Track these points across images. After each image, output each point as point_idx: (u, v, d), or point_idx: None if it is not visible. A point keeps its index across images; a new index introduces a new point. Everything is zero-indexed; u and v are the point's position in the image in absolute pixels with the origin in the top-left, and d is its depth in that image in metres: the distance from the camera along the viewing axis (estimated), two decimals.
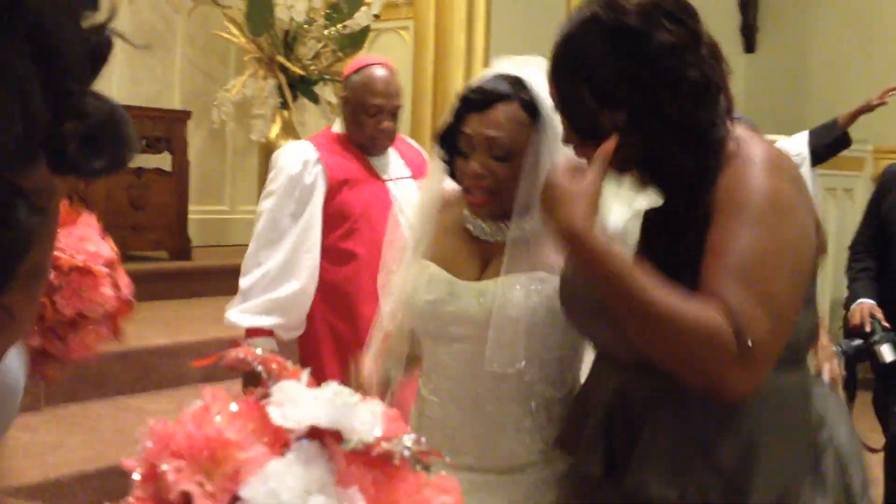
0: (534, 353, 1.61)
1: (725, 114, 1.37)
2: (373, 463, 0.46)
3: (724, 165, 1.32)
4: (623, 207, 1.51)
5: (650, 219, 1.42)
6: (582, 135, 1.40)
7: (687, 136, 1.32)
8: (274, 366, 0.50)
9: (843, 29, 7.32)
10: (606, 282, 1.27)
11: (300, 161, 2.66)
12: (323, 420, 0.46)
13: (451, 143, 1.67)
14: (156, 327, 4.20)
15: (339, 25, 5.56)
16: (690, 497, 1.33)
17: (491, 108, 1.60)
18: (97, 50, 0.36)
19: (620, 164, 1.39)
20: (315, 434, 0.46)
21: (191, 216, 5.64)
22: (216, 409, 0.46)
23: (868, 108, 4.11)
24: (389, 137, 2.76)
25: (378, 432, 0.47)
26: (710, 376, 1.24)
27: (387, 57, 3.34)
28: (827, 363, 1.69)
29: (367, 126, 2.70)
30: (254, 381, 0.52)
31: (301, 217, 2.63)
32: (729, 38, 7.58)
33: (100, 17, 0.36)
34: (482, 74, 1.72)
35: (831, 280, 6.48)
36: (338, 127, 2.84)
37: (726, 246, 1.27)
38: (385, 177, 2.77)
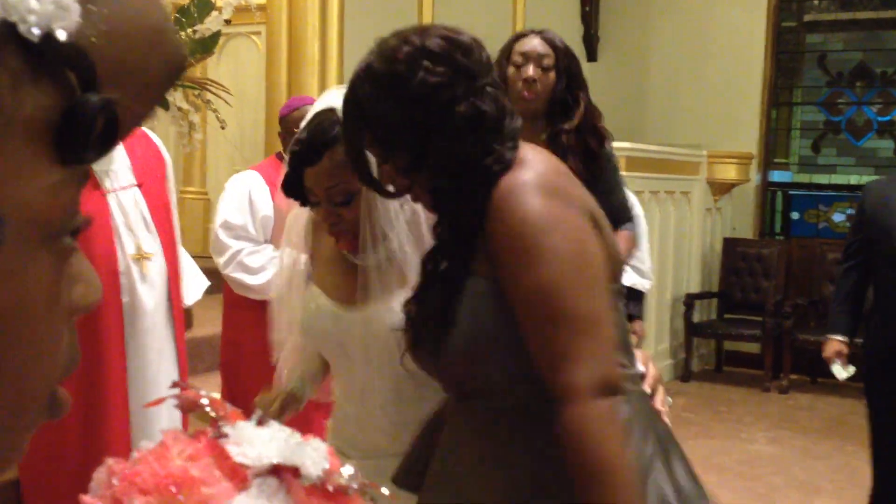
0: None
1: (511, 139, 1.43)
2: (329, 496, 0.49)
3: (493, 195, 1.38)
4: None
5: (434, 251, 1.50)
6: (373, 186, 1.51)
7: (458, 168, 1.39)
8: (221, 409, 0.53)
9: (678, 42, 7.74)
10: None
11: None
12: (279, 457, 0.49)
13: (301, 194, 1.71)
14: None
15: (190, 30, 5.44)
16: None
17: (320, 160, 1.63)
18: None
19: (427, 206, 1.50)
20: (273, 470, 0.49)
21: None
22: (177, 448, 0.49)
23: None
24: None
25: (326, 466, 0.51)
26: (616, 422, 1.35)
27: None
28: (650, 378, 1.72)
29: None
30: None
31: None
32: (572, 47, 7.87)
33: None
34: (310, 112, 1.74)
35: (672, 278, 6.86)
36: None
37: (518, 291, 1.35)
38: (106, 187, 2.58)
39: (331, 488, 0.49)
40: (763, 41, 7.57)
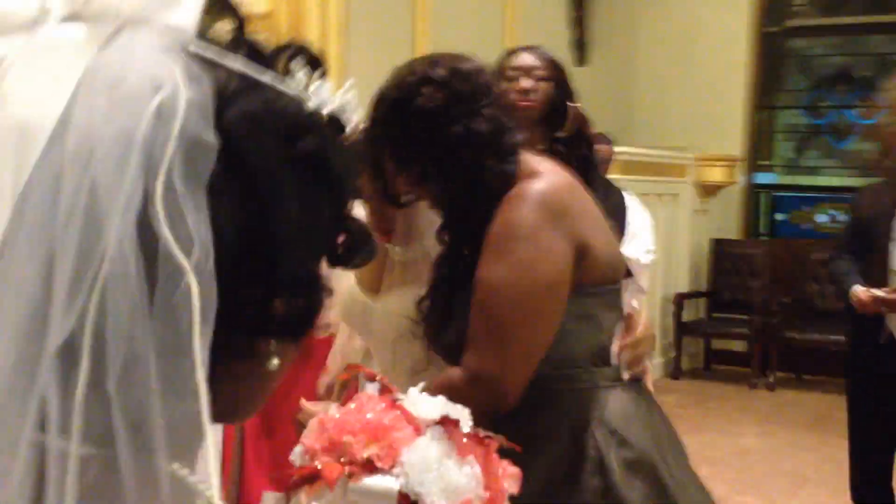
0: None
1: (509, 154, 1.60)
2: (479, 441, 0.66)
3: (504, 198, 1.56)
4: None
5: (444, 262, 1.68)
6: (390, 200, 1.72)
7: (458, 181, 1.58)
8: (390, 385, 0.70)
9: (665, 47, 7.94)
10: None
11: None
12: (441, 413, 0.66)
13: None
14: None
15: None
16: None
17: None
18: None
19: (438, 214, 1.68)
20: (440, 422, 0.66)
21: None
22: (370, 405, 0.65)
23: None
24: None
25: (472, 422, 0.68)
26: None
27: None
28: (630, 368, 1.75)
29: None
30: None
31: None
32: (561, 53, 8.04)
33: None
34: None
35: (662, 278, 7.04)
36: None
37: (475, 282, 1.53)
38: None
39: (481, 436, 0.66)
40: (747, 46, 7.79)
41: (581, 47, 8.34)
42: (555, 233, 1.53)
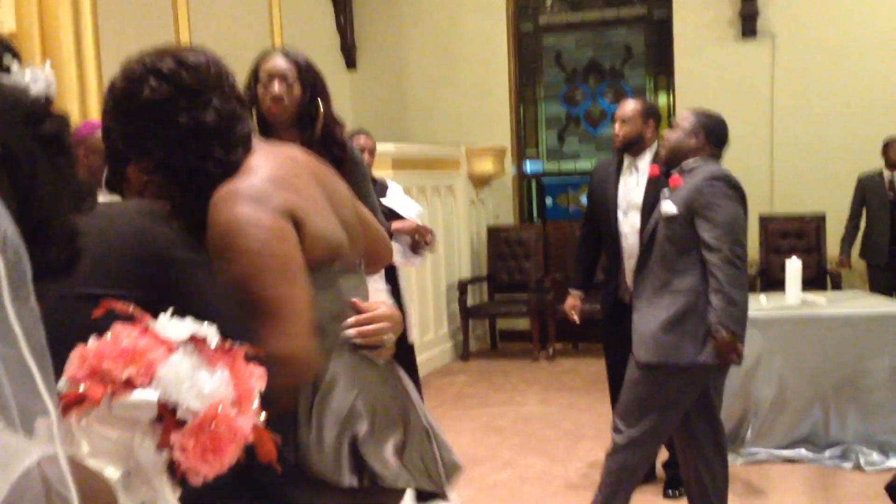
0: None
1: (238, 145, 1.67)
2: (226, 352, 0.81)
3: (212, 199, 1.62)
4: None
5: None
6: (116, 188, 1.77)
7: (183, 171, 1.64)
8: (142, 313, 0.84)
9: (430, 49, 8.30)
10: None
11: None
12: (189, 333, 0.81)
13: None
14: None
15: None
16: None
17: None
18: None
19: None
20: (189, 340, 0.80)
21: None
22: (125, 333, 0.79)
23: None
24: None
25: (219, 338, 0.83)
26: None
27: None
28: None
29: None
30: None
31: None
32: (331, 57, 8.25)
33: None
34: None
35: (444, 267, 7.37)
36: None
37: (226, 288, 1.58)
38: None
39: (226, 348, 0.81)
40: (506, 45, 8.28)
41: (349, 52, 8.56)
42: (263, 212, 1.60)
